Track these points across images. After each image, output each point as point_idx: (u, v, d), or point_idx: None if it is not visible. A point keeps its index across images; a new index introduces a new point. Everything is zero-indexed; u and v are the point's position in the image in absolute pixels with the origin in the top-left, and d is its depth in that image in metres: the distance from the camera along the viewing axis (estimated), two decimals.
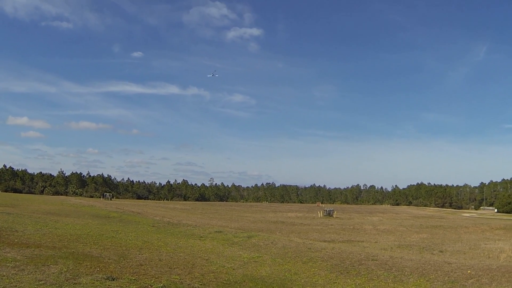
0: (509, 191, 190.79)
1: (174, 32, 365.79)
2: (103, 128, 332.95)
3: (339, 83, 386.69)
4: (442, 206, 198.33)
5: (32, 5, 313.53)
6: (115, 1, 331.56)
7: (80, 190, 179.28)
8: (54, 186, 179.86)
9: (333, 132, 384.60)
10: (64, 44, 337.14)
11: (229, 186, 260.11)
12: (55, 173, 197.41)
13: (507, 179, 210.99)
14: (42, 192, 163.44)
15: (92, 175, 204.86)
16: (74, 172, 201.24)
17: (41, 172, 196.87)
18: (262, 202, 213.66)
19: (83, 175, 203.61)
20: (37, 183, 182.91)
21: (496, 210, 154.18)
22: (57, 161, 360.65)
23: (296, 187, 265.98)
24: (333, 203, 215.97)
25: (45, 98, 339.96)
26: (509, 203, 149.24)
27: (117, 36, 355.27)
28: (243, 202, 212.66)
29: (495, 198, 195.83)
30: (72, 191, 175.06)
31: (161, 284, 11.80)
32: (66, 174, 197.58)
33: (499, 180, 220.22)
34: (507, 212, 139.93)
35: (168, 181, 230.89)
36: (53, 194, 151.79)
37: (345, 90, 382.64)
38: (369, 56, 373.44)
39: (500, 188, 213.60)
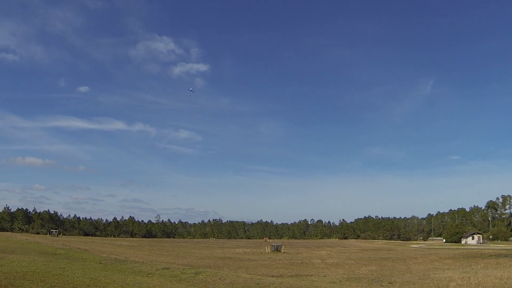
0: (456, 221, 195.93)
1: (120, 67, 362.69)
2: (49, 164, 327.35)
3: (286, 120, 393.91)
4: (391, 239, 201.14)
5: None
6: (62, 34, 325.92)
7: (26, 226, 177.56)
8: (0, 222, 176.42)
9: (280, 168, 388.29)
10: (9, 77, 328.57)
11: (176, 222, 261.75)
12: (0, 209, 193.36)
13: (454, 210, 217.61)
14: None
15: (38, 211, 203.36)
16: (20, 208, 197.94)
17: None
18: (209, 238, 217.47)
19: (29, 211, 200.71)
20: None
21: (444, 240, 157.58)
22: (2, 197, 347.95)
23: (243, 223, 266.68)
24: (280, 238, 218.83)
25: None
26: (457, 233, 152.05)
27: (63, 70, 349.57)
28: (190, 238, 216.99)
29: (443, 229, 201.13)
30: (18, 227, 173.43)
31: None
32: (12, 210, 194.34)
33: (446, 211, 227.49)
34: (455, 242, 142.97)
35: (114, 217, 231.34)
36: None
37: (292, 126, 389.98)
38: (316, 93, 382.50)
39: (447, 219, 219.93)
